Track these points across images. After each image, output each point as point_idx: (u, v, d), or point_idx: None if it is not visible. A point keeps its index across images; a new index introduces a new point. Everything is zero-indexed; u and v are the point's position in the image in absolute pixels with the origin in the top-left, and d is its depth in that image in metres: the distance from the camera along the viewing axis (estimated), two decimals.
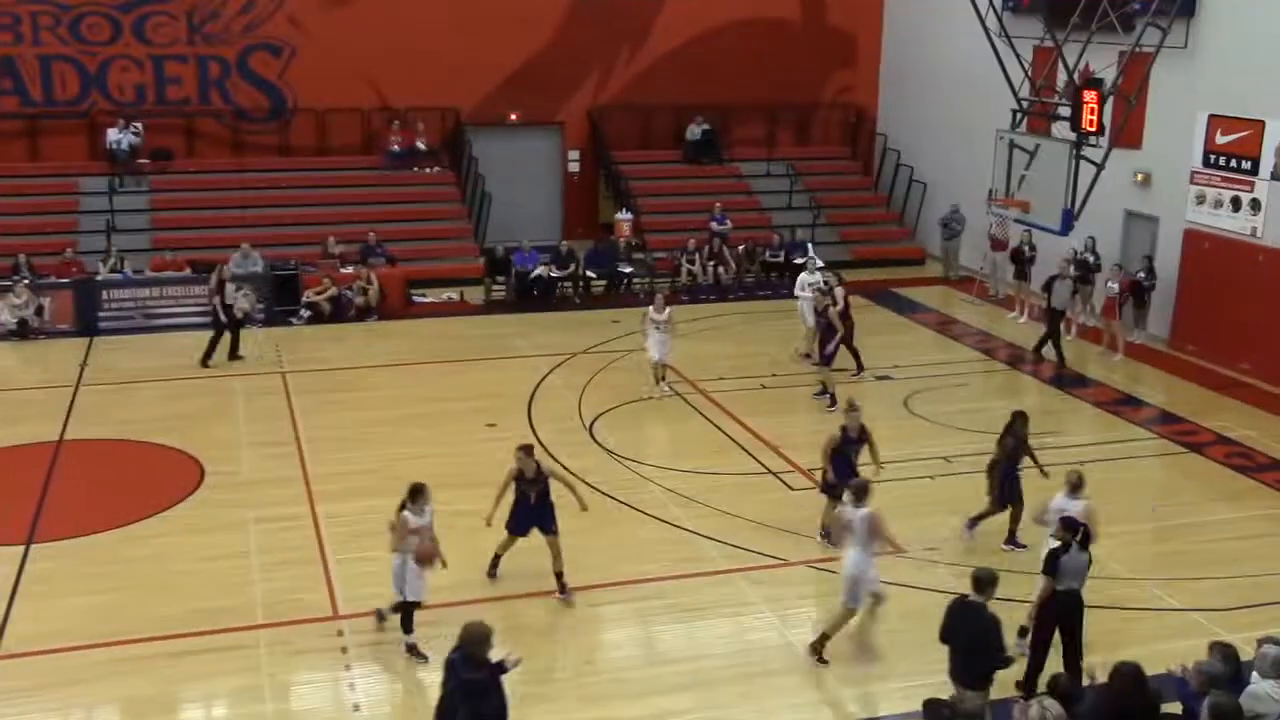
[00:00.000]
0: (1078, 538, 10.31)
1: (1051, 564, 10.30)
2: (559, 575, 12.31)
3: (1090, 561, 10.47)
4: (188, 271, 22.73)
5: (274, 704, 10.56)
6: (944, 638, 9.64)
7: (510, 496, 12.33)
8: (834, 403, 17.38)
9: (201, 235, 24.66)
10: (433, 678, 10.94)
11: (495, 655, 8.79)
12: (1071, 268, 21.49)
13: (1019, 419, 13.71)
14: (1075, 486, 11.48)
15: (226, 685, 10.78)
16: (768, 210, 28.10)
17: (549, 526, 12.28)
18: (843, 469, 13.14)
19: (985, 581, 9.46)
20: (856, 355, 19.34)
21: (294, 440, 16.57)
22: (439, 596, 12.19)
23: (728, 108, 29.20)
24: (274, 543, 13.46)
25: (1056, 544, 10.41)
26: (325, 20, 26.67)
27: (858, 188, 29.85)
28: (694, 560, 13.12)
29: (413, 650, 11.18)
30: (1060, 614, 10.36)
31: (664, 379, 18.59)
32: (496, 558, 12.62)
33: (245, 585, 12.48)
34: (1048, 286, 20.70)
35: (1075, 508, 11.13)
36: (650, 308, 18.43)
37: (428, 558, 11.03)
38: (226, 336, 20.02)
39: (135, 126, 25.63)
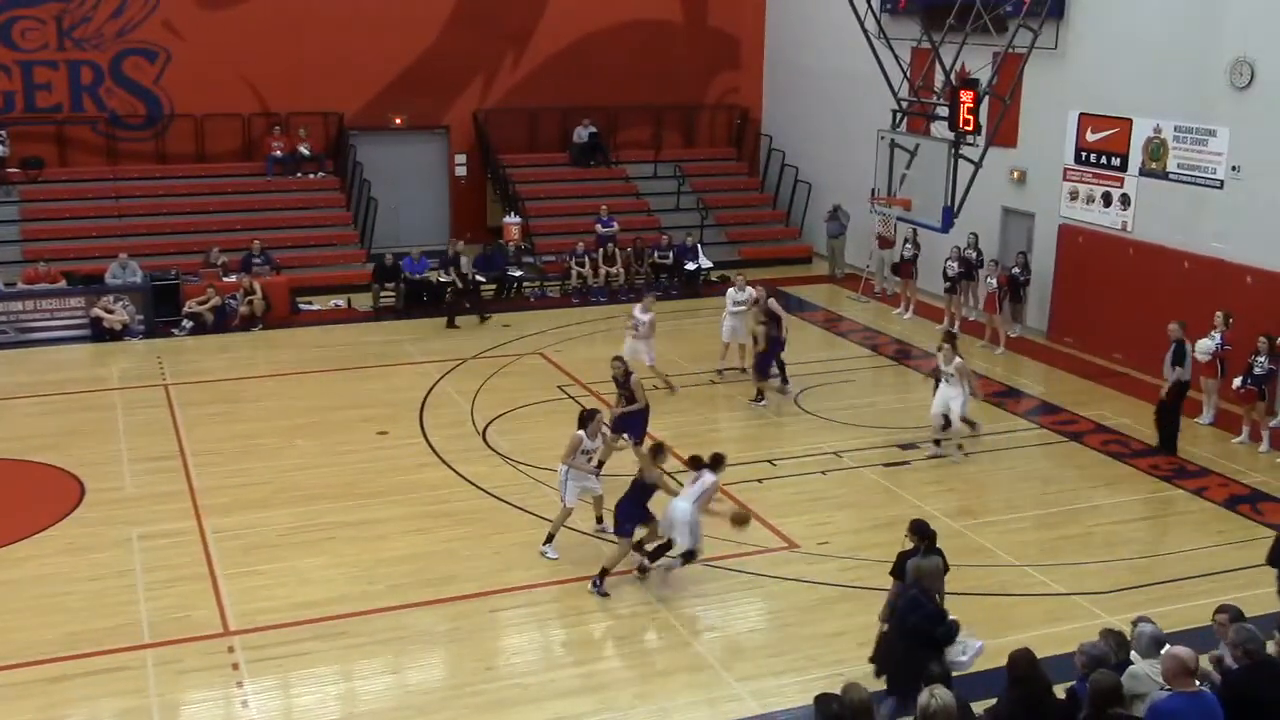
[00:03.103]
0: (926, 542, 10.20)
1: (899, 567, 10.20)
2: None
3: (946, 566, 10.38)
4: (62, 284, 22.06)
5: None
6: (1272, 560, 11.04)
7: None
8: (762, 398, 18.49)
9: (76, 246, 24.00)
10: (327, 691, 10.82)
11: None
12: (956, 265, 22.02)
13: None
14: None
15: (111, 708, 10.47)
16: (656, 212, 28.24)
17: None
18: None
19: None
20: (782, 369, 19.07)
21: (178, 454, 16.18)
22: (333, 608, 12.06)
23: (614, 110, 29.29)
24: (159, 560, 13.12)
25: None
26: (202, 24, 26.09)
27: (744, 188, 30.15)
28: (589, 563, 13.11)
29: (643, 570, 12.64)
30: None
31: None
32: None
33: (130, 604, 12.15)
34: (1179, 357, 16.46)
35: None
36: (581, 431, 13.38)
37: (743, 520, 12.65)
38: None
39: (0, 134, 24.78)
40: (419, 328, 22.61)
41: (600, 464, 14.13)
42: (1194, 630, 10.44)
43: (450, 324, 22.70)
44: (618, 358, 15.69)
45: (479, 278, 24.09)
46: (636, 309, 18.67)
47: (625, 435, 15.06)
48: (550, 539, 13.28)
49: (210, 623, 11.82)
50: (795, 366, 19.75)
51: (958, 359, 16.24)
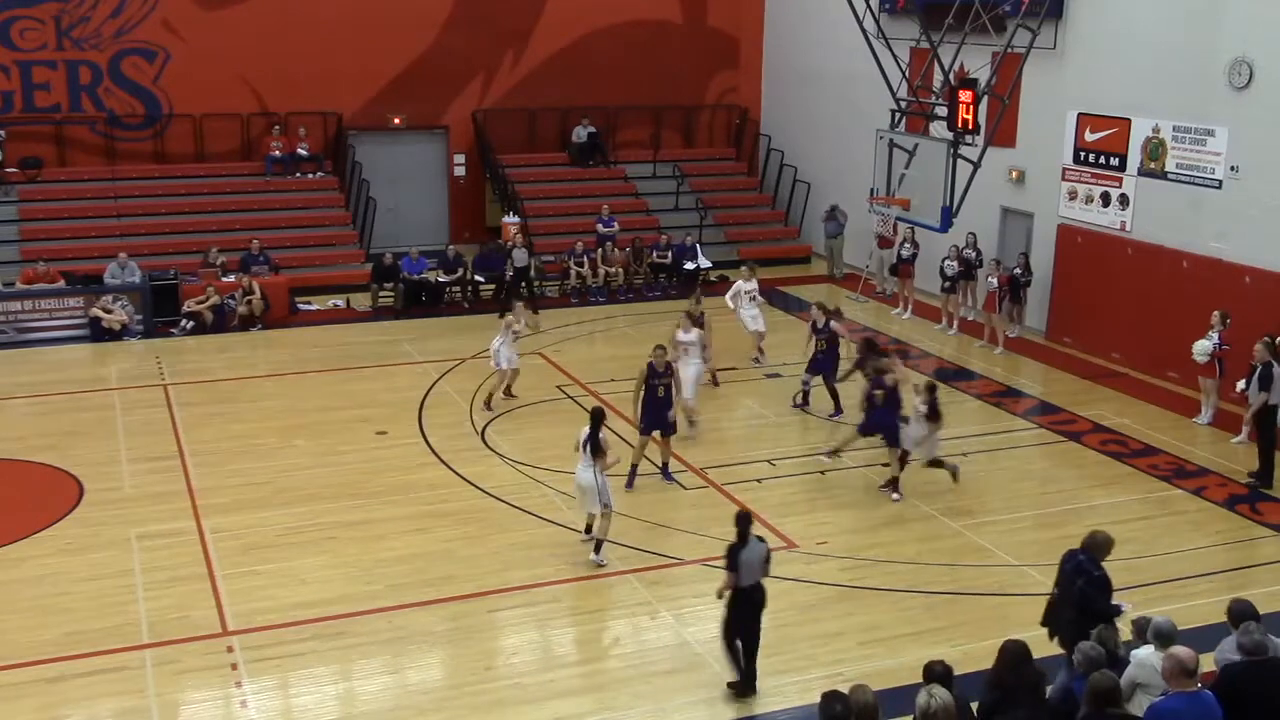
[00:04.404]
0: (744, 530, 10.26)
1: (733, 560, 10.21)
2: None
3: (769, 553, 10.44)
4: (61, 284, 22.05)
5: None
6: None
7: None
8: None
9: (75, 246, 23.99)
10: (326, 691, 10.82)
11: None
12: (955, 264, 22.01)
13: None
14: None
15: (110, 708, 10.47)
16: (655, 212, 28.23)
17: None
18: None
19: None
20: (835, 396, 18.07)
21: (177, 454, 16.17)
22: (332, 608, 12.06)
23: (613, 110, 29.30)
24: (158, 560, 13.11)
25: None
26: (201, 23, 26.08)
27: (743, 188, 30.13)
28: (588, 563, 13.11)
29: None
30: (746, 609, 10.31)
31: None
32: None
33: (129, 605, 12.14)
34: (1266, 380, 15.17)
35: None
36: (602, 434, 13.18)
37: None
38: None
39: None
40: (418, 328, 22.60)
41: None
42: (1194, 630, 10.44)
43: (502, 316, 22.69)
44: (660, 346, 15.52)
45: (535, 269, 24.67)
46: (514, 318, 18.26)
47: (658, 430, 15.19)
48: (599, 546, 13.14)
49: (209, 623, 11.81)
50: (794, 367, 19.73)
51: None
